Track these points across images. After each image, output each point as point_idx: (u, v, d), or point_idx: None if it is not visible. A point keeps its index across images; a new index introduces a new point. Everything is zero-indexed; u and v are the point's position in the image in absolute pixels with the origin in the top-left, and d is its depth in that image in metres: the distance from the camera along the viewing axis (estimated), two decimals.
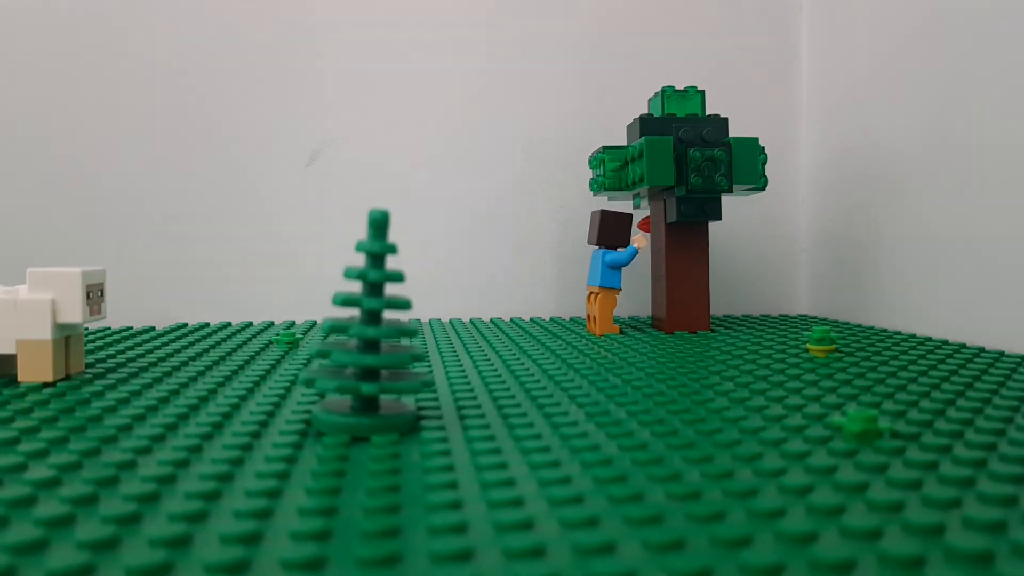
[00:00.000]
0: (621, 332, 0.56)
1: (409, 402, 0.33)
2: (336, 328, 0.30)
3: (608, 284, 0.55)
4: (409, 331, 0.30)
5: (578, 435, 0.29)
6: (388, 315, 0.31)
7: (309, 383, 0.30)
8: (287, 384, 0.38)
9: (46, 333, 0.38)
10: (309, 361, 0.45)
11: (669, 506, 0.22)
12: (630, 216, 0.56)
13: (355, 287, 0.30)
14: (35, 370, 0.38)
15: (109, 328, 0.59)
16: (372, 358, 0.29)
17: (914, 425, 0.30)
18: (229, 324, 0.62)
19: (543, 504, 0.22)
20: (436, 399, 0.35)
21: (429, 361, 0.45)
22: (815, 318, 0.67)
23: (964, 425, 0.30)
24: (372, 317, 0.30)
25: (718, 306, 0.69)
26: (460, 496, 0.22)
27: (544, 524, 0.21)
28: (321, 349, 0.31)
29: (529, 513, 0.21)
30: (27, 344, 0.38)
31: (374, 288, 0.30)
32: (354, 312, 0.31)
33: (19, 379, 0.38)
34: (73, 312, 0.38)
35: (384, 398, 0.32)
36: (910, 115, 0.57)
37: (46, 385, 0.38)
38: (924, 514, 0.21)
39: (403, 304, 0.30)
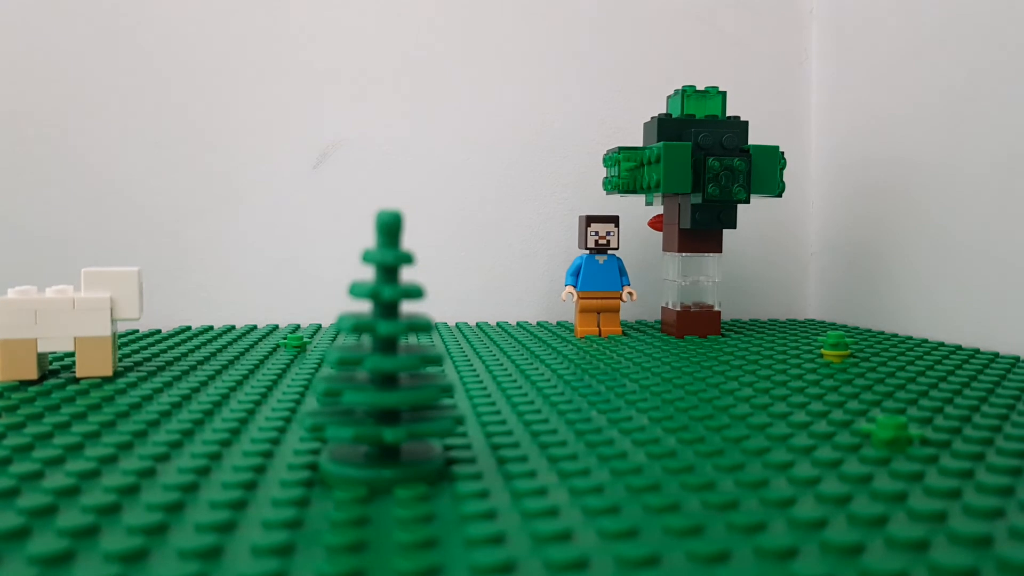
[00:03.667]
0: (624, 334, 0.57)
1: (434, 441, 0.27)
2: (346, 361, 0.24)
3: (583, 288, 0.56)
4: (434, 358, 0.25)
5: (604, 442, 0.28)
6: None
7: (316, 429, 0.25)
8: (300, 389, 0.38)
9: (106, 330, 0.40)
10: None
11: (708, 516, 0.21)
12: (615, 218, 0.56)
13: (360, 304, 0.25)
14: (94, 366, 0.40)
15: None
16: (393, 396, 0.24)
17: (943, 432, 0.30)
18: (233, 327, 0.61)
19: (579, 515, 0.21)
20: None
21: (443, 367, 0.44)
22: (823, 322, 0.66)
23: (993, 432, 0.30)
24: (389, 345, 0.25)
25: (725, 310, 0.69)
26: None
27: (582, 536, 0.20)
28: (329, 387, 0.25)
29: (566, 524, 0.21)
30: (86, 341, 0.39)
31: (389, 309, 0.25)
32: (363, 306, 0.26)
33: (78, 375, 0.39)
34: (130, 309, 0.41)
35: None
36: (920, 118, 0.57)
37: (28, 385, 0.37)
38: (969, 524, 0.21)
39: (423, 325, 0.25)
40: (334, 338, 0.56)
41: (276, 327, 0.62)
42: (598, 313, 0.57)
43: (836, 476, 0.25)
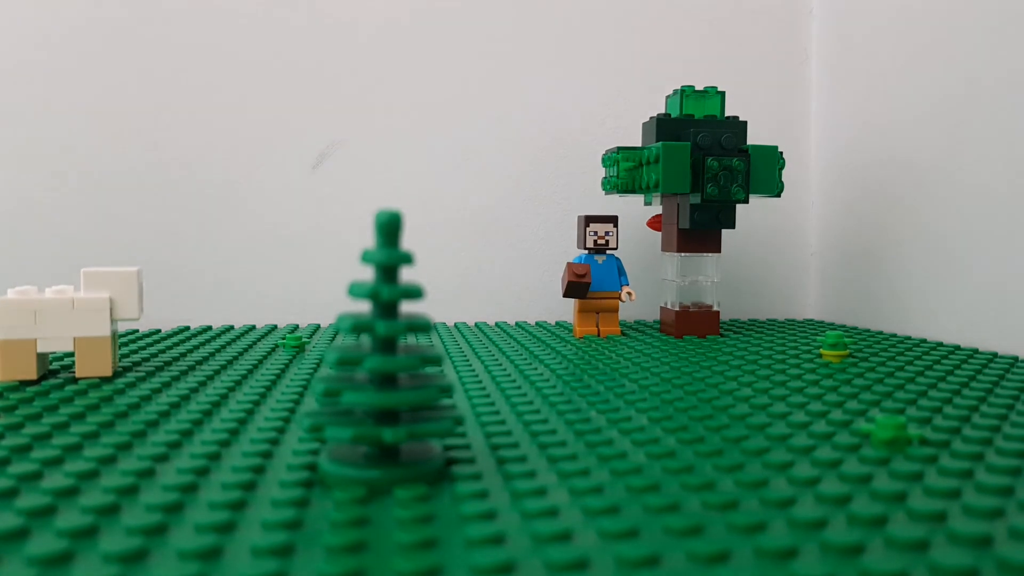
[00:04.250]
0: (623, 334, 0.57)
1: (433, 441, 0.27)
2: (345, 361, 0.24)
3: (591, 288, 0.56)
4: (434, 358, 0.25)
5: (604, 443, 0.28)
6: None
7: (316, 430, 0.24)
8: (299, 390, 0.38)
9: (105, 330, 0.40)
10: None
11: (708, 516, 0.21)
12: (614, 217, 0.56)
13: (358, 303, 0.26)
14: (93, 366, 0.39)
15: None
16: (393, 396, 0.24)
17: (942, 432, 0.30)
18: (232, 327, 0.61)
19: (578, 515, 0.21)
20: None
21: (442, 368, 0.44)
22: (822, 322, 0.66)
23: (992, 432, 0.30)
24: (388, 345, 0.25)
25: (724, 310, 0.69)
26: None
27: (582, 536, 0.20)
28: (329, 387, 0.25)
29: (566, 524, 0.21)
30: (85, 341, 0.39)
31: (389, 309, 0.25)
32: (362, 306, 0.27)
33: (77, 375, 0.39)
34: (130, 309, 0.40)
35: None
36: (921, 119, 0.57)
37: (27, 384, 0.37)
38: (969, 524, 0.21)
39: (422, 325, 0.25)
40: (333, 338, 0.56)
41: (275, 327, 0.62)
42: (597, 313, 0.57)
43: (836, 476, 0.25)
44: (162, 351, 0.49)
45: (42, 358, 0.40)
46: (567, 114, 0.67)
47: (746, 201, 0.53)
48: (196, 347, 0.50)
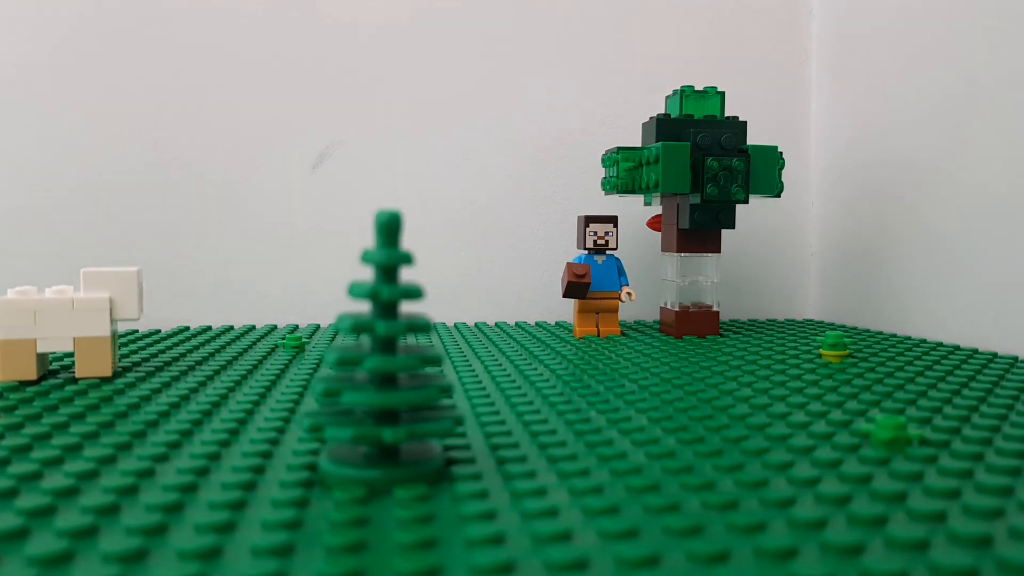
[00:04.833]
0: (623, 334, 0.57)
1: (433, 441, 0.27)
2: (345, 361, 0.25)
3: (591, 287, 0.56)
4: (433, 358, 0.25)
5: (603, 443, 0.28)
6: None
7: (315, 430, 0.24)
8: (299, 390, 0.38)
9: (105, 330, 0.40)
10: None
11: (708, 516, 0.21)
12: (614, 217, 0.56)
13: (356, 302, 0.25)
14: (93, 366, 0.39)
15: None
16: (392, 396, 0.24)
17: (942, 432, 0.30)
18: (231, 327, 0.61)
19: (579, 515, 0.21)
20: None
21: (441, 368, 0.44)
22: (822, 323, 0.66)
23: (992, 432, 0.30)
24: (388, 345, 0.25)
25: (724, 310, 0.69)
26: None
27: (582, 536, 0.20)
28: (329, 387, 0.25)
29: (566, 524, 0.21)
30: (85, 341, 0.39)
31: (388, 309, 0.25)
32: (362, 306, 0.27)
33: (77, 375, 0.39)
34: (129, 309, 0.40)
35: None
36: (920, 119, 0.57)
37: (26, 385, 0.37)
38: (969, 524, 0.21)
39: (422, 326, 0.25)
40: (333, 338, 0.56)
41: (275, 327, 0.62)
42: (597, 313, 0.57)
43: (836, 476, 0.25)
44: (162, 351, 0.49)
45: (42, 358, 0.40)
46: (567, 114, 0.67)
47: (746, 201, 0.53)
48: (196, 347, 0.50)
